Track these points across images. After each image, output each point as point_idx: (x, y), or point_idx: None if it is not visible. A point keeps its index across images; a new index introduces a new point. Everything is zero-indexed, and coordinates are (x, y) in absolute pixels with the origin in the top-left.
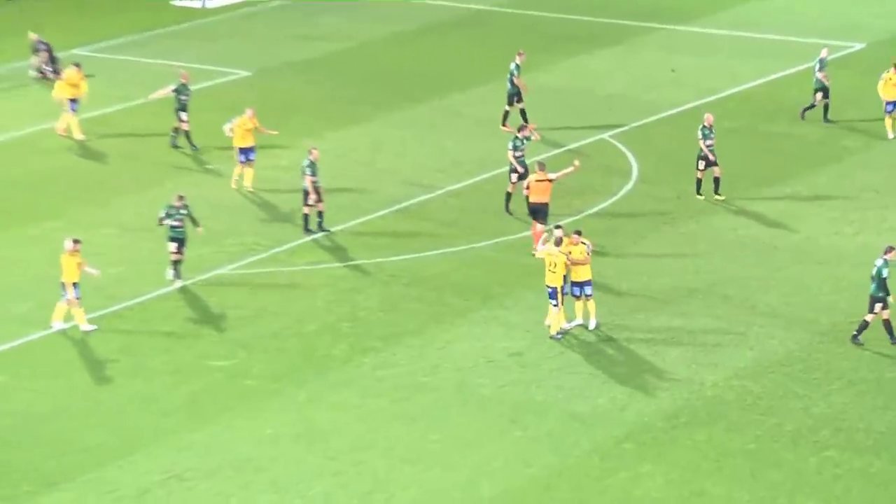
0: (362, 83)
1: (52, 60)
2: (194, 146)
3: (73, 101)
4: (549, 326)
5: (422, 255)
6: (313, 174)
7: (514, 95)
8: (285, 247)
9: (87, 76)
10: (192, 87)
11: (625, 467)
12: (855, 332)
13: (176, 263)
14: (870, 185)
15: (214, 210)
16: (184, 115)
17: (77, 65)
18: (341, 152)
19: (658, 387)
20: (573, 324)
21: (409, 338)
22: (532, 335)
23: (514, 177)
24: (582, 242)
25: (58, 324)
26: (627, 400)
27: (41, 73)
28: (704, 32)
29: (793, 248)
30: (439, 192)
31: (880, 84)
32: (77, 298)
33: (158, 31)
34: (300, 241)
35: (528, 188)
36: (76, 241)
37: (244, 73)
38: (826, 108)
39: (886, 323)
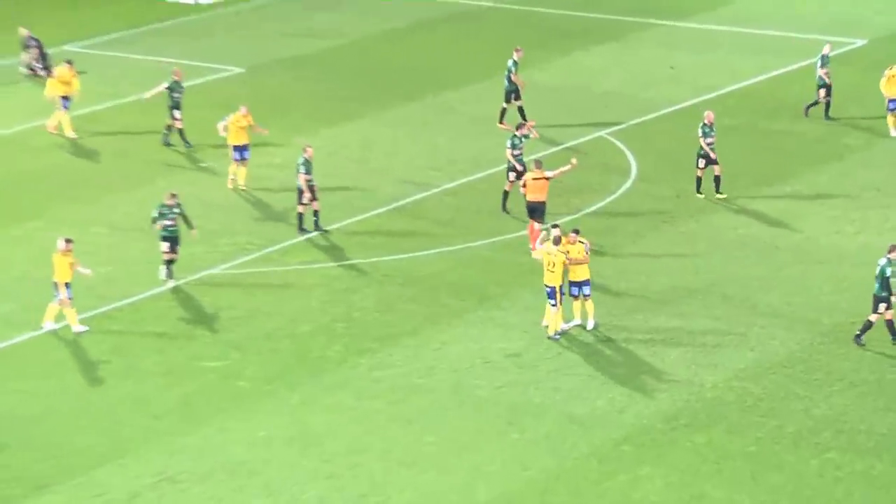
0: (355, 80)
1: (43, 57)
2: (188, 144)
3: (66, 98)
4: (546, 327)
5: (417, 254)
6: (307, 172)
7: (512, 93)
8: (279, 246)
9: (79, 73)
10: (184, 84)
11: (623, 470)
12: (858, 332)
13: (169, 263)
14: (871, 184)
15: (207, 209)
16: (177, 113)
17: (69, 62)
18: (333, 150)
19: (657, 388)
20: (571, 324)
21: (405, 338)
22: (529, 336)
23: (512, 175)
24: (580, 241)
25: (49, 324)
26: (626, 402)
27: (31, 70)
28: (703, 28)
29: (793, 247)
30: (435, 190)
31: (883, 81)
32: (69, 299)
33: (150, 26)
34: (294, 241)
35: (524, 186)
36: (68, 241)
37: (236, 70)
38: (828, 105)
39: (889, 323)
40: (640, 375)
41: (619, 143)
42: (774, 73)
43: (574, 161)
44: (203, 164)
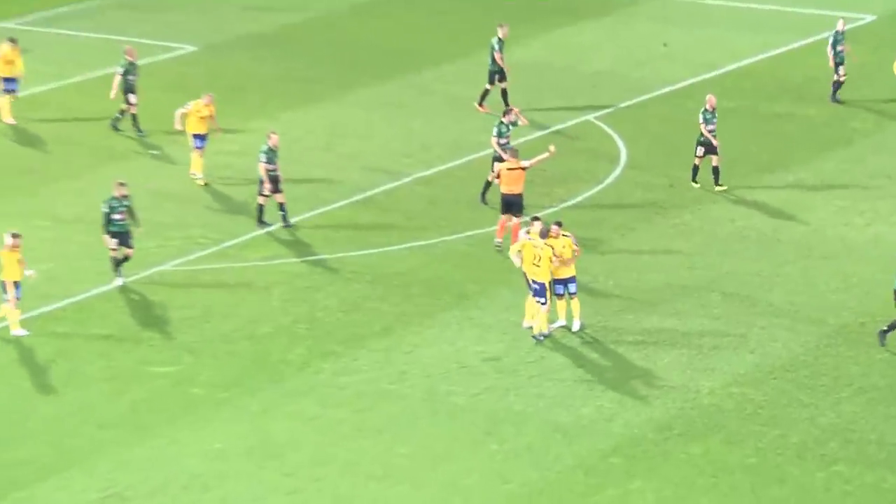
0: (320, 59)
1: None
2: (140, 131)
3: (10, 80)
4: (530, 328)
5: (387, 249)
6: (269, 161)
7: (496, 73)
8: (237, 240)
9: (23, 51)
10: (137, 63)
11: (612, 484)
12: (884, 329)
13: (117, 261)
14: (882, 171)
15: (158, 200)
16: (132, 98)
17: (13, 40)
18: (297, 136)
19: (649, 395)
20: (556, 325)
21: (374, 341)
22: (509, 338)
23: (497, 165)
24: (564, 235)
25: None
26: (615, 409)
27: None
28: (699, 2)
29: (797, 240)
30: (406, 179)
31: None
32: (17, 299)
33: (97, 1)
34: (253, 235)
35: (498, 178)
36: (16, 236)
37: (189, 48)
38: (836, 86)
39: None
40: (630, 381)
41: (607, 128)
42: (775, 51)
43: (552, 148)
44: (154, 152)
